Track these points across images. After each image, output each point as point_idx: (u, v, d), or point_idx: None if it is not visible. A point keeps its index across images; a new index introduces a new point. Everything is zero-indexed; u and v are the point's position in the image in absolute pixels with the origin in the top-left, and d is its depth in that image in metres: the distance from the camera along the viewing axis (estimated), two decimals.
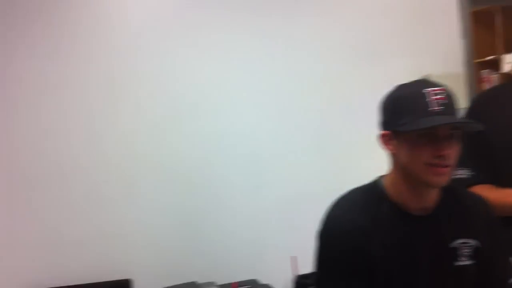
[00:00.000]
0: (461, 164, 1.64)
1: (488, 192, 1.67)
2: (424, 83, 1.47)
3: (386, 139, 1.48)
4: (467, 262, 1.50)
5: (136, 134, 2.72)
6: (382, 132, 1.49)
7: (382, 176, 1.55)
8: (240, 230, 2.83)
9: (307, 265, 2.27)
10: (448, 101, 1.43)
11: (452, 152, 1.42)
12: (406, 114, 1.42)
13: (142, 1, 2.77)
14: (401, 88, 1.49)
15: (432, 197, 1.50)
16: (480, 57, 3.02)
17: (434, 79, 2.77)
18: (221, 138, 2.82)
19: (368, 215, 1.47)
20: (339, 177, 2.82)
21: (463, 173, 1.84)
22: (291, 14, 2.92)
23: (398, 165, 1.48)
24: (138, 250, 2.72)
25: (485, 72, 3.01)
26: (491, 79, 3.11)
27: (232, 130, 2.84)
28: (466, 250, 1.50)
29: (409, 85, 1.49)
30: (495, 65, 3.22)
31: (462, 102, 1.92)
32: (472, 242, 1.51)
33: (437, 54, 2.95)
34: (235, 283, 2.21)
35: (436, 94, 1.42)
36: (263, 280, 2.67)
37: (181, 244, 2.76)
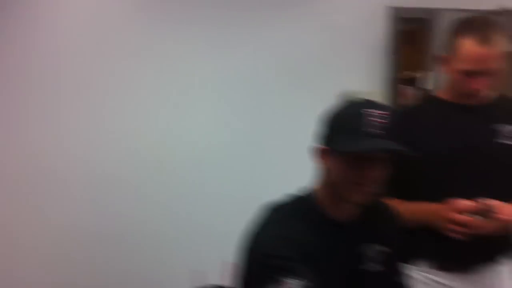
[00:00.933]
0: None
1: (398, 205, 1.78)
2: (366, 103, 1.49)
3: (320, 154, 1.53)
4: (380, 268, 1.60)
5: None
6: (319, 146, 1.53)
7: (309, 187, 1.60)
8: (140, 244, 2.80)
9: (209, 279, 2.34)
10: (387, 124, 1.45)
11: (381, 174, 1.48)
12: (344, 132, 1.46)
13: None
14: (343, 106, 1.52)
15: (355, 210, 1.57)
16: (403, 75, 3.07)
17: (356, 96, 2.48)
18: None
19: (302, 223, 1.51)
20: (241, 196, 2.85)
21: None
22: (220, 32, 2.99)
23: (327, 179, 1.54)
24: None
25: (406, 89, 3.06)
26: (412, 95, 3.15)
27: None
28: (379, 257, 1.61)
29: (351, 104, 1.52)
30: (416, 82, 3.24)
31: None
32: (384, 249, 1.62)
33: (361, 71, 2.94)
34: None
35: (376, 116, 1.44)
36: None
37: (72, 262, 2.78)
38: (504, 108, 2.05)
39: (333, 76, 3.01)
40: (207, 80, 2.95)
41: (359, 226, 1.59)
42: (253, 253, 1.51)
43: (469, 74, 1.91)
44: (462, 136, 1.98)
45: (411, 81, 3.44)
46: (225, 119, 2.93)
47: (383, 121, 1.44)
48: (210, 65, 2.96)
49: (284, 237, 1.47)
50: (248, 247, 1.53)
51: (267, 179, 2.86)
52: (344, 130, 1.46)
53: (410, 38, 3.39)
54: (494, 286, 2.02)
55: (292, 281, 1.39)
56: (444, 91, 2.08)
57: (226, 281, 2.33)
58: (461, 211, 1.83)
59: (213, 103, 2.94)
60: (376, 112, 1.45)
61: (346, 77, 2.99)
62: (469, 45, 1.88)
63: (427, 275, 2.01)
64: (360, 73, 3.02)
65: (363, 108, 1.46)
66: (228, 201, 2.84)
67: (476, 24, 1.91)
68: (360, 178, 1.47)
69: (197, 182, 2.86)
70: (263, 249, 1.47)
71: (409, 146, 1.77)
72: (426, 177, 1.98)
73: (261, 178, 2.89)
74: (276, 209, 1.56)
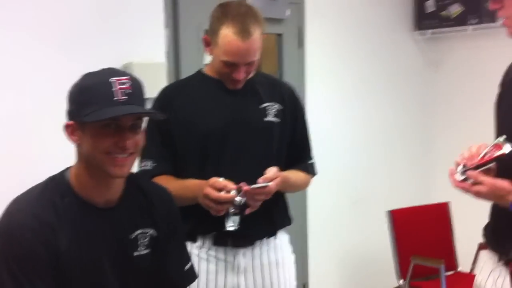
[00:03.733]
0: (143, 155, 1.86)
1: (167, 183, 1.81)
2: (110, 72, 1.49)
3: (70, 130, 1.48)
4: (144, 251, 1.59)
5: None
6: (67, 122, 1.49)
7: (68, 168, 1.55)
8: None
9: None
10: (134, 91, 1.47)
11: (134, 142, 1.47)
12: (91, 104, 1.43)
13: None
14: (88, 77, 1.49)
15: (116, 189, 1.54)
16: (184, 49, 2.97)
17: (135, 67, 2.56)
18: None
19: (52, 209, 1.45)
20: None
21: (145, 164, 1.96)
22: None
23: (82, 156, 1.50)
24: None
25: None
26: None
27: None
28: (144, 240, 1.59)
29: (95, 74, 1.50)
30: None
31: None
32: (149, 231, 1.60)
33: (140, 42, 2.83)
34: None
35: (121, 84, 1.45)
36: None
37: None
38: (264, 86, 2.10)
39: (111, 44, 2.70)
40: None
41: (121, 210, 1.55)
42: (1, 243, 1.42)
43: (229, 65, 1.93)
44: (232, 114, 2.01)
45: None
46: None
47: (128, 87, 1.44)
48: None
49: (31, 227, 1.40)
50: None
51: None
52: (93, 101, 1.43)
53: None
54: (271, 258, 2.10)
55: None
56: (210, 69, 2.08)
57: None
58: (218, 188, 1.85)
59: None
60: (121, 79, 1.45)
61: (124, 46, 2.75)
62: (229, 38, 1.89)
63: (208, 251, 2.04)
64: (140, 43, 2.82)
65: (109, 76, 1.45)
66: None
67: (236, 13, 1.92)
68: (113, 147, 1.44)
69: None
70: (10, 239, 1.40)
71: (177, 121, 1.88)
72: (196, 152, 2.00)
73: None
74: (26, 196, 1.49)
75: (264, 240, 2.09)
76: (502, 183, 1.69)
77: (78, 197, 1.50)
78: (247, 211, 1.90)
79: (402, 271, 3.54)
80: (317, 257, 3.82)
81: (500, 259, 1.81)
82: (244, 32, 1.89)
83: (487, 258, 1.89)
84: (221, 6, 1.99)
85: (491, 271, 1.85)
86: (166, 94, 2.08)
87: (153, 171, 1.96)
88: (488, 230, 1.89)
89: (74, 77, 1.53)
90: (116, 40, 2.74)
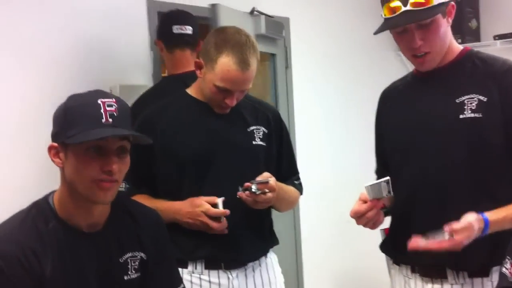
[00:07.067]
0: None
1: (143, 202, 1.77)
2: (97, 93, 1.46)
3: (54, 152, 1.44)
4: (135, 275, 1.53)
5: None
6: (51, 144, 1.45)
7: (52, 193, 1.51)
8: None
9: None
10: (120, 114, 1.44)
11: (119, 167, 1.43)
12: (76, 125, 1.40)
13: None
14: (73, 99, 1.46)
15: (102, 212, 1.49)
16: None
17: (122, 90, 2.52)
18: None
19: (35, 235, 1.41)
20: None
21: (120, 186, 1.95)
22: None
23: (65, 179, 1.44)
24: None
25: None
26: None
27: None
28: (134, 264, 1.54)
29: (81, 96, 1.47)
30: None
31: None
32: (139, 254, 1.55)
33: (126, 65, 2.82)
34: None
35: (108, 106, 1.42)
36: None
37: None
38: (249, 109, 2.11)
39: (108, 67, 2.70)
40: None
41: (107, 234, 1.51)
42: None
43: (223, 90, 1.95)
44: (219, 137, 2.03)
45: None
46: None
47: (114, 109, 1.42)
48: None
49: (13, 254, 1.36)
50: None
51: None
52: (78, 123, 1.40)
53: None
54: (264, 277, 2.09)
55: None
56: (197, 91, 2.08)
57: None
58: (212, 204, 1.91)
59: None
60: (108, 101, 1.43)
61: (109, 69, 2.71)
62: (229, 67, 1.90)
63: (200, 275, 2.01)
64: (125, 66, 2.81)
65: (96, 98, 1.42)
66: None
67: (235, 42, 1.92)
68: (100, 172, 1.40)
69: None
70: None
71: (161, 145, 1.89)
72: (179, 175, 2.00)
73: None
74: (9, 222, 1.45)
75: (256, 260, 2.08)
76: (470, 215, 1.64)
77: (62, 222, 1.46)
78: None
79: None
80: (312, 278, 3.77)
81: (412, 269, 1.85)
82: (244, 63, 1.91)
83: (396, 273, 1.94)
84: (219, 32, 2.01)
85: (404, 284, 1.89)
86: (148, 118, 2.07)
87: (127, 193, 1.94)
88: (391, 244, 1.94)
89: (59, 101, 1.52)
90: (102, 64, 2.72)
